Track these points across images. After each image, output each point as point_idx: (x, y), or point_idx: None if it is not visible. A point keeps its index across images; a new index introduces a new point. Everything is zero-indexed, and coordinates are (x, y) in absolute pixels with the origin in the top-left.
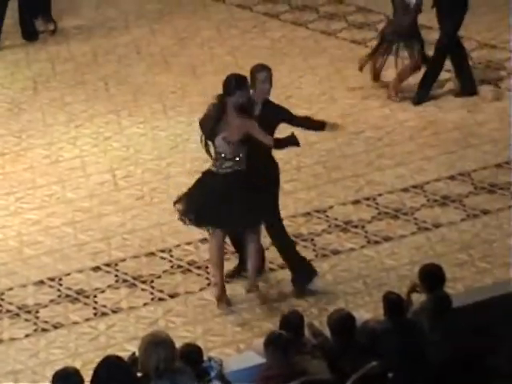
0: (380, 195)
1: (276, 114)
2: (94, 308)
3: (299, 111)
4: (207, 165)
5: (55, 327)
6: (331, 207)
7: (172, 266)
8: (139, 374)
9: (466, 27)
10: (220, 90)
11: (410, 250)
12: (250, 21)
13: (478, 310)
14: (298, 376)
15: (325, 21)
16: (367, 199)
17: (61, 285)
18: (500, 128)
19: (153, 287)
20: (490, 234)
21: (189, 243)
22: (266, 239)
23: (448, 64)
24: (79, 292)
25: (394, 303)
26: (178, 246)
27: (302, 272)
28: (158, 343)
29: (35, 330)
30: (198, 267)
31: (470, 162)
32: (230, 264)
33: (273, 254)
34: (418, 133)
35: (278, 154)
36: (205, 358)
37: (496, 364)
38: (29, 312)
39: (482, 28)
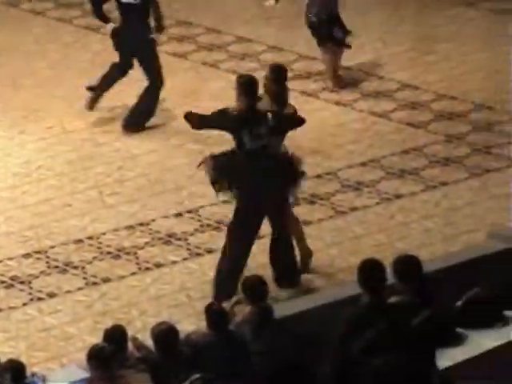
0: (202, 207)
1: None
2: None
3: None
4: (27, 179)
5: None
6: (154, 220)
7: None
8: None
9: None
10: (41, 104)
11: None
12: (71, 34)
13: (302, 320)
14: None
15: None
16: (189, 212)
17: None
18: (319, 139)
19: None
20: (311, 244)
21: (11, 258)
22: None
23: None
24: None
25: (216, 315)
26: (0, 261)
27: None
28: None
29: None
30: (21, 282)
31: None
32: None
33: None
34: None
35: (97, 168)
36: (28, 373)
37: (321, 372)
38: None
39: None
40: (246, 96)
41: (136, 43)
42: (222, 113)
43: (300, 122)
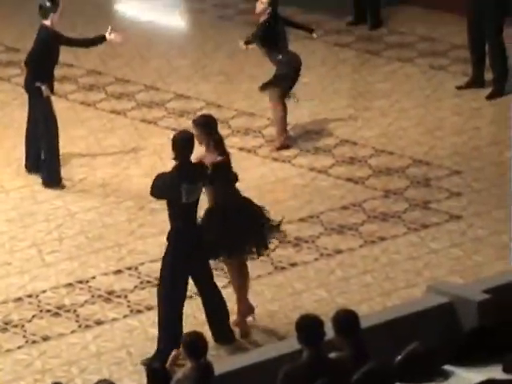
0: (142, 264)
1: None
2: None
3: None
4: None
5: None
6: (94, 277)
7: None
8: None
9: (224, 95)
10: None
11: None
12: (9, 93)
13: (243, 376)
14: None
15: (84, 91)
16: (129, 269)
17: None
18: (258, 195)
19: None
20: (251, 300)
21: None
22: None
23: None
24: None
25: (156, 373)
26: None
27: None
28: None
29: None
30: None
31: None
32: None
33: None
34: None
35: (37, 226)
36: None
37: None
38: None
39: (239, 96)
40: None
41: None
42: (158, 176)
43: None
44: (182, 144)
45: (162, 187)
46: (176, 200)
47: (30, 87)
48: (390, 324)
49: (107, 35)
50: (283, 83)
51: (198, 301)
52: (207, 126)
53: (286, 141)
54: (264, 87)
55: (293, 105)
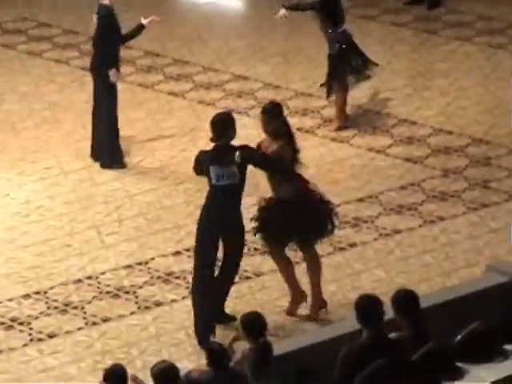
0: None
1: None
2: None
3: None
4: (27, 220)
5: None
6: (153, 259)
7: None
8: None
9: (282, 76)
10: (39, 145)
11: (232, 299)
12: (68, 75)
13: (302, 356)
14: None
15: (142, 73)
16: (187, 250)
17: None
18: (317, 175)
19: None
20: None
21: (11, 299)
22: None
23: None
24: None
25: (216, 353)
26: (0, 302)
27: None
28: None
29: None
30: (21, 323)
31: None
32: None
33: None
34: None
35: (96, 208)
36: None
37: None
38: None
39: (297, 77)
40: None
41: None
42: (199, 153)
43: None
44: (218, 125)
45: (197, 166)
46: (208, 180)
47: (96, 69)
48: (450, 304)
49: (144, 22)
50: (339, 71)
51: (255, 281)
52: (269, 113)
53: (346, 122)
54: (324, 84)
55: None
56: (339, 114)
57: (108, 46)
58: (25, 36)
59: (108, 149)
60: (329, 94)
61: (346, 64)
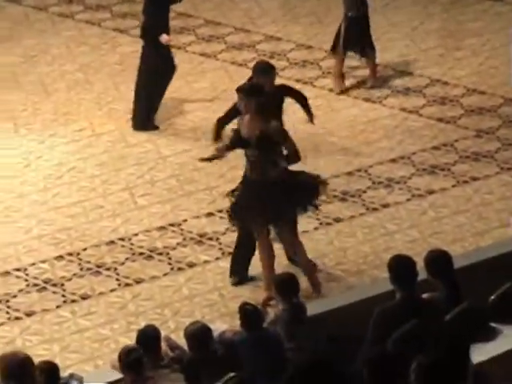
0: None
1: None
2: None
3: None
4: (59, 182)
5: None
6: (185, 220)
7: (28, 285)
8: None
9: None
10: (71, 107)
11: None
12: (100, 37)
13: (335, 317)
14: None
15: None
16: (220, 211)
17: None
18: (350, 136)
19: (9, 307)
20: (344, 241)
21: (44, 261)
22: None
23: None
24: None
25: (250, 313)
26: (33, 264)
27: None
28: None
29: None
30: (54, 285)
31: (322, 170)
32: None
33: None
34: None
35: (129, 169)
36: (65, 374)
37: (352, 370)
38: None
39: (329, 38)
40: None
41: None
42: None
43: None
44: None
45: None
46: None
47: (145, 35)
48: (484, 264)
49: None
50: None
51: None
52: (246, 93)
53: (377, 81)
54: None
55: (383, 45)
56: (372, 74)
57: (156, 10)
58: None
59: (144, 111)
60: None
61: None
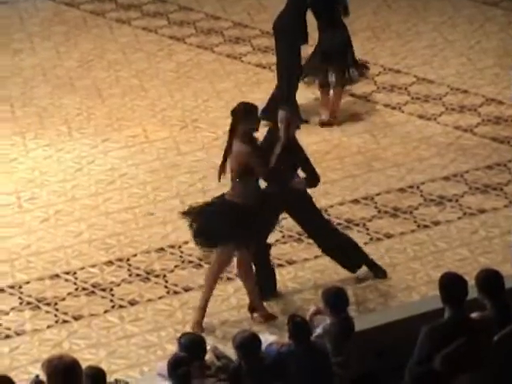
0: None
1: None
2: None
3: (205, 134)
4: (111, 187)
5: None
6: None
7: (76, 289)
8: None
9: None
10: (125, 113)
11: (314, 273)
12: (156, 44)
13: (383, 333)
14: None
15: (230, 44)
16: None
17: None
18: (403, 152)
19: (57, 309)
20: (393, 257)
21: (93, 266)
22: None
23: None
24: None
25: (298, 326)
26: (83, 268)
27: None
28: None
29: None
30: (103, 289)
31: (374, 185)
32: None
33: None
34: (321, 156)
35: (180, 177)
36: (110, 380)
37: None
38: None
39: (385, 53)
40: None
41: None
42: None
43: None
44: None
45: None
46: None
47: (278, 29)
48: None
49: None
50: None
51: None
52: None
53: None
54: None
55: (439, 62)
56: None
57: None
58: (114, 3)
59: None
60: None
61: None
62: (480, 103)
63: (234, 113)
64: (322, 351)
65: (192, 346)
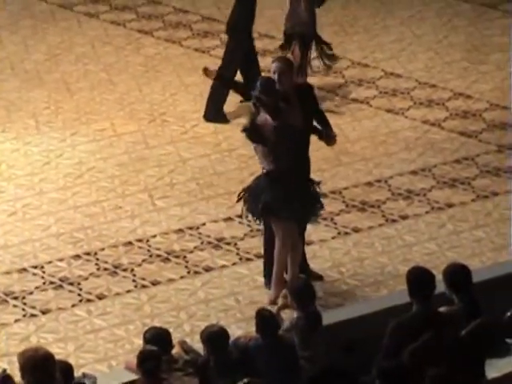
0: None
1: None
2: None
3: (173, 128)
4: (79, 181)
5: None
6: (204, 224)
7: (44, 283)
8: None
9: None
10: (93, 107)
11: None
12: (124, 37)
13: (350, 327)
14: None
15: (199, 38)
16: (239, 216)
17: None
18: (371, 146)
19: (25, 303)
20: (361, 252)
21: (61, 259)
22: None
23: None
24: None
25: (266, 320)
26: (50, 262)
27: None
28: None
29: None
30: (70, 283)
31: (342, 179)
32: None
33: None
34: None
35: (148, 171)
36: (78, 374)
37: (365, 380)
38: None
39: (353, 47)
40: None
41: None
42: None
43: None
44: None
45: None
46: None
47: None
48: (502, 279)
49: None
50: None
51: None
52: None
53: None
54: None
55: (407, 57)
56: None
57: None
58: None
59: (216, 104)
60: None
61: None
62: (448, 97)
63: None
64: (289, 345)
65: (157, 340)
